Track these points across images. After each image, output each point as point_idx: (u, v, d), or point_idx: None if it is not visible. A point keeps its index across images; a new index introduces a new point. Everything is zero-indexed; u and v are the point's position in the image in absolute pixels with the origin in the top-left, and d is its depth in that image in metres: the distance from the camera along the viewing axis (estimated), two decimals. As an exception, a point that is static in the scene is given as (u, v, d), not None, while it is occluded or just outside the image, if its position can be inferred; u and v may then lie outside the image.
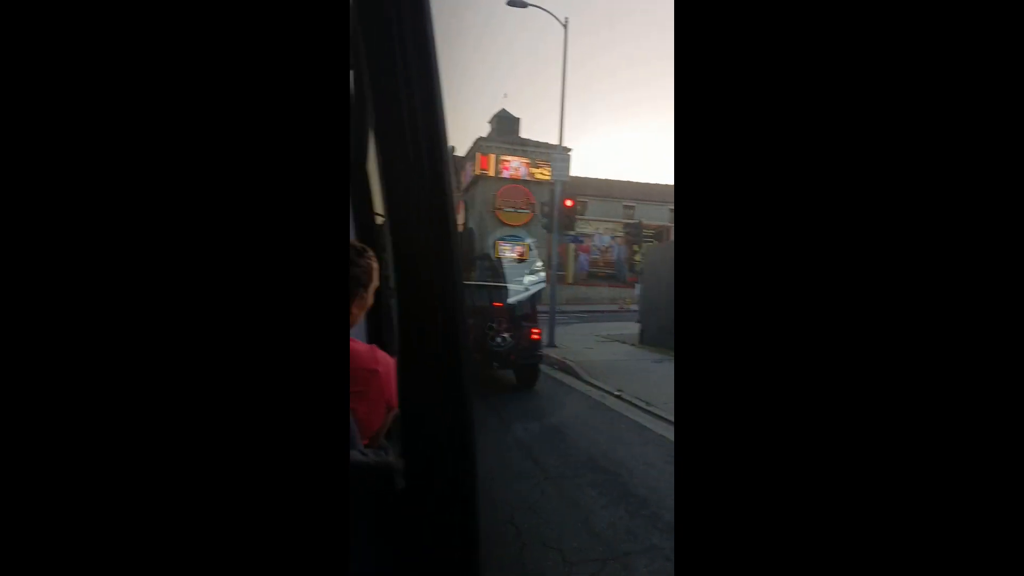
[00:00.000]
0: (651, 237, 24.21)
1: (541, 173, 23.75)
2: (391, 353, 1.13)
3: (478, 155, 24.22)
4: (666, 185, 30.76)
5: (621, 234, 25.91)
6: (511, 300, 6.68)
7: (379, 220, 1.46)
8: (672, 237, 24.10)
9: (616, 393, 6.25)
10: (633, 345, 10.21)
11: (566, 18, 10.51)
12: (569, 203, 10.36)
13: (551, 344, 9.55)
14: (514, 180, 24.79)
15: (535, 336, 6.58)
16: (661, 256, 10.34)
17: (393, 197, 0.64)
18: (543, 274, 7.44)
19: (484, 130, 26.74)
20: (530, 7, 10.92)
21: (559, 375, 7.69)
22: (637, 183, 29.87)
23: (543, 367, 7.20)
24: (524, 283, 6.99)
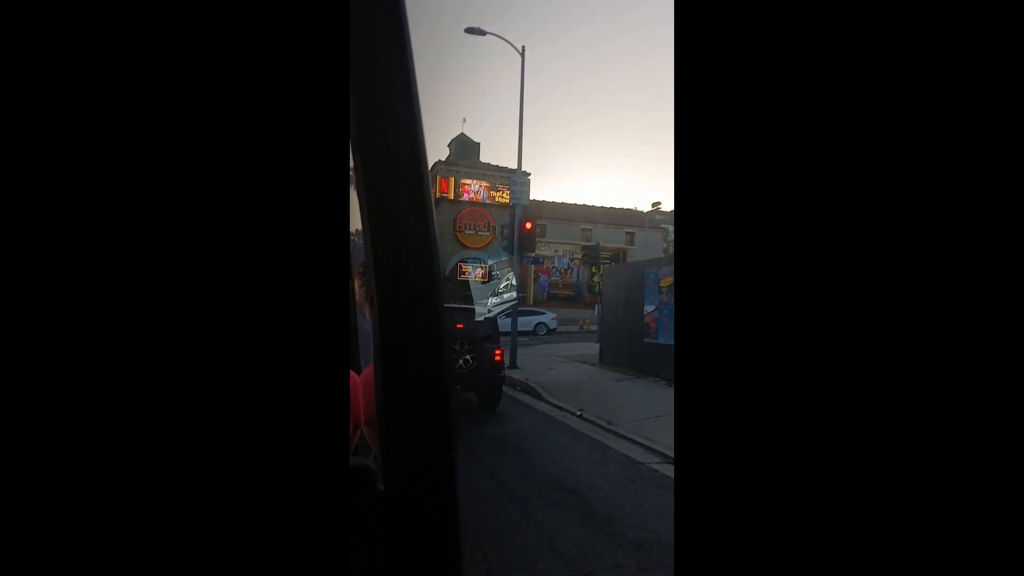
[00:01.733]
0: (609, 259, 24.75)
1: (501, 196, 24.04)
2: (358, 369, 1.13)
3: (438, 178, 24.29)
4: (621, 208, 31.65)
5: (579, 256, 26.37)
6: (482, 319, 6.66)
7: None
8: (627, 259, 24.72)
9: (578, 413, 6.29)
10: (593, 365, 10.33)
11: (523, 46, 10.83)
12: (529, 226, 10.51)
13: (513, 365, 9.56)
14: (474, 203, 24.96)
15: (498, 357, 6.58)
16: (618, 277, 10.59)
17: (374, 208, 0.66)
18: (513, 293, 7.44)
19: (443, 154, 26.86)
20: (488, 35, 11.19)
21: (521, 396, 7.68)
22: (593, 207, 30.63)
23: (505, 388, 7.19)
24: (492, 303, 6.97)
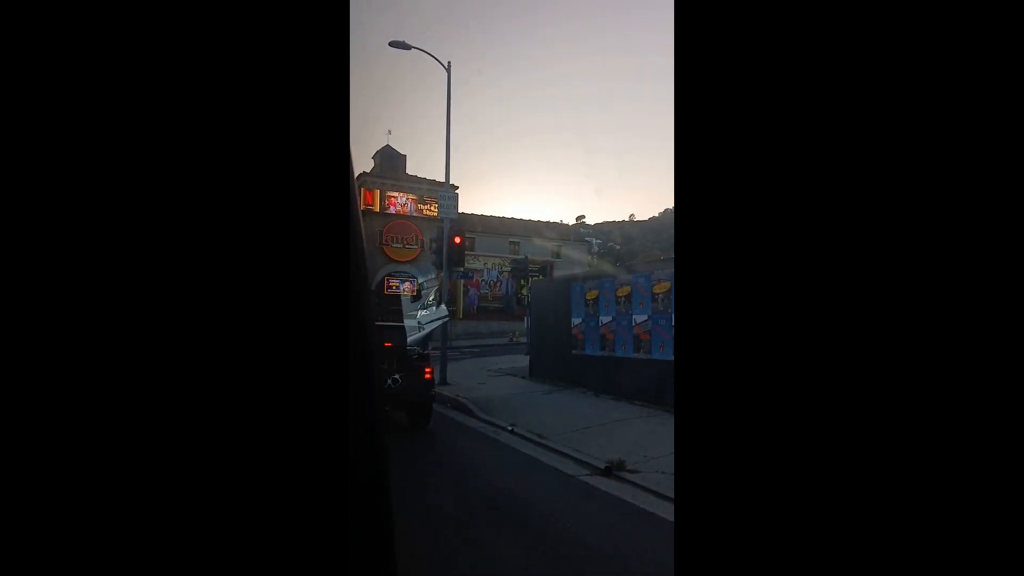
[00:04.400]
0: (537, 271, 25.17)
1: (429, 209, 23.81)
2: None
3: (362, 190, 23.67)
4: (547, 222, 32.38)
5: (508, 269, 26.63)
6: (412, 338, 6.50)
7: None
8: (554, 271, 25.27)
9: (509, 428, 6.30)
10: (524, 378, 10.41)
11: (448, 62, 10.86)
12: (458, 240, 10.48)
13: (443, 381, 9.42)
14: (401, 216, 24.54)
15: (427, 375, 6.46)
16: (547, 290, 10.80)
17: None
18: (443, 308, 7.31)
19: (367, 166, 26.25)
20: (413, 49, 11.13)
21: (452, 413, 7.58)
22: (521, 220, 31.13)
23: (436, 406, 7.07)
24: (420, 319, 6.82)
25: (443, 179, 11.16)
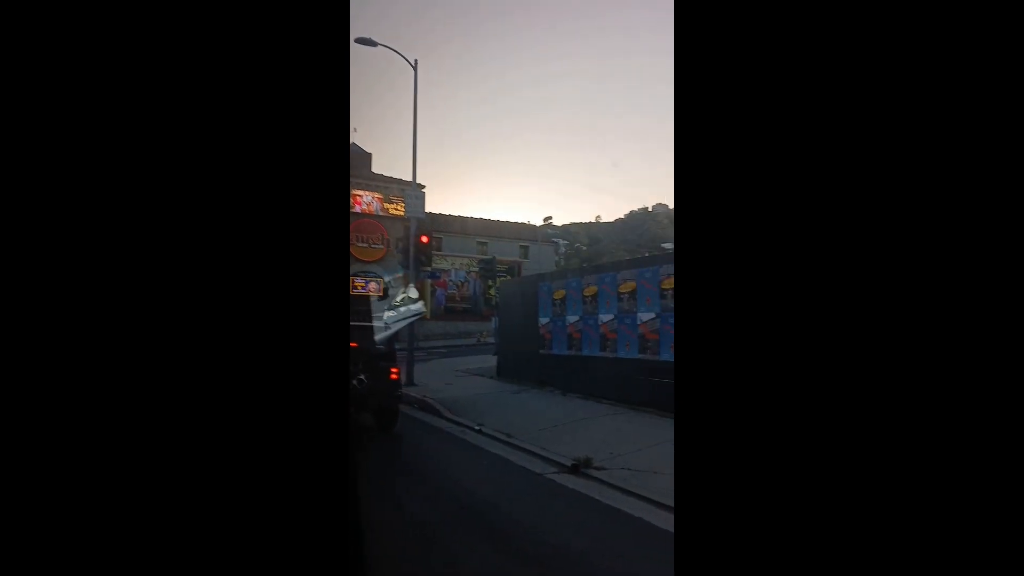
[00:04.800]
0: (504, 272, 25.20)
1: (395, 209, 23.52)
2: None
3: (327, 188, 23.17)
4: (515, 222, 32.45)
5: (476, 269, 26.55)
6: (379, 336, 6.37)
7: None
8: (522, 272, 25.35)
9: (477, 428, 6.28)
10: (491, 378, 10.40)
11: (415, 60, 10.76)
12: (425, 239, 10.38)
13: (410, 382, 9.32)
14: (366, 215, 24.16)
15: (394, 376, 6.38)
16: (514, 290, 10.82)
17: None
18: (415, 305, 7.20)
19: (333, 163, 25.70)
20: (379, 47, 10.97)
21: (420, 414, 7.51)
22: (489, 220, 31.09)
23: (403, 407, 6.98)
24: (391, 318, 6.70)
25: (409, 178, 11.04)
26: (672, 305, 6.60)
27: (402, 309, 7.30)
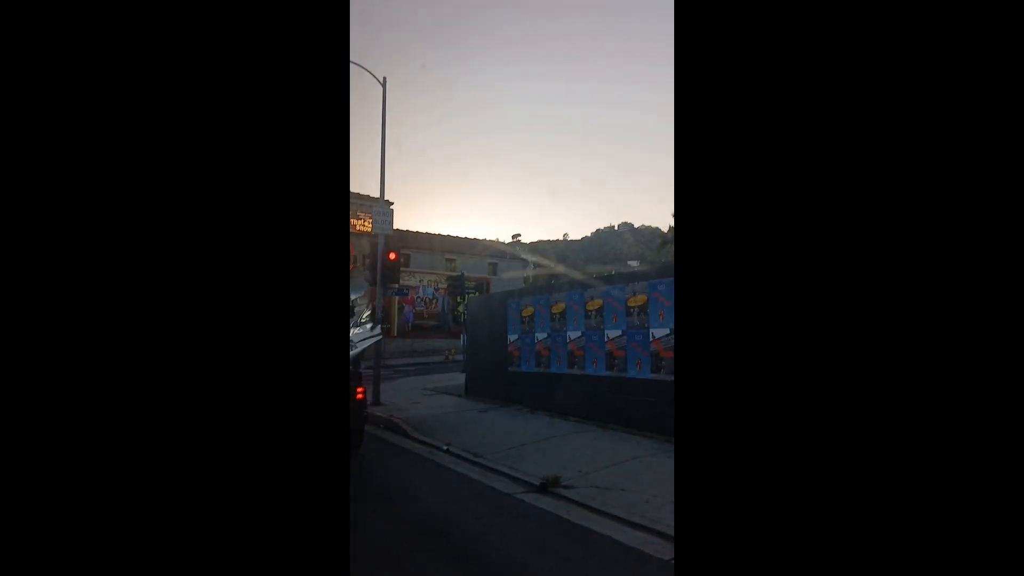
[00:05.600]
0: (473, 288, 25.13)
1: (363, 225, 23.25)
2: None
3: (292, 203, 22.74)
4: (483, 240, 32.53)
5: (444, 286, 26.41)
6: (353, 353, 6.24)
7: None
8: (491, 289, 25.35)
9: (444, 448, 6.18)
10: (459, 396, 10.28)
11: (384, 77, 10.76)
12: (393, 256, 10.28)
13: (376, 402, 9.12)
14: (333, 231, 23.74)
15: (359, 395, 6.24)
16: (483, 307, 10.79)
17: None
18: (374, 327, 7.09)
19: (299, 178, 25.30)
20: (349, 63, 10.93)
21: (385, 434, 7.34)
22: (457, 237, 31.09)
23: (368, 428, 6.82)
24: (355, 336, 6.58)
25: (377, 195, 10.96)
26: (638, 323, 6.70)
27: (368, 327, 7.19)
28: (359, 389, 6.24)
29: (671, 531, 3.50)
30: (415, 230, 28.58)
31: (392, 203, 19.09)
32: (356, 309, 7.53)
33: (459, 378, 11.51)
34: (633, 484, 4.52)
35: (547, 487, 4.58)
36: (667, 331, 6.30)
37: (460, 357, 14.54)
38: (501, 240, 34.47)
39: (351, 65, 10.87)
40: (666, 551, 3.31)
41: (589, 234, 76.37)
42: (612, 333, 7.10)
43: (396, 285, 11.54)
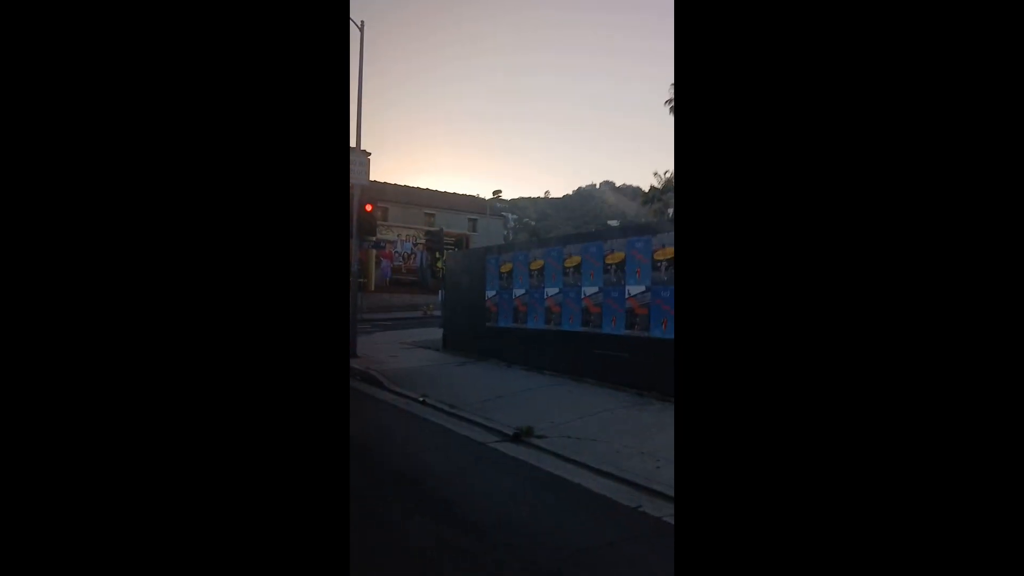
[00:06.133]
0: (452, 244, 24.92)
1: (338, 175, 22.57)
2: None
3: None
4: (464, 195, 32.03)
5: (423, 241, 26.12)
6: None
7: None
8: (470, 245, 25.19)
9: (421, 399, 6.25)
10: (437, 350, 10.35)
11: (362, 21, 10.21)
12: (369, 208, 10.05)
13: (353, 354, 9.12)
14: (308, 181, 23.07)
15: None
16: (462, 263, 10.72)
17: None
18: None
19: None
20: None
21: (362, 386, 7.38)
22: (437, 191, 30.53)
23: (344, 380, 6.82)
24: None
25: (353, 144, 10.58)
26: (615, 280, 6.74)
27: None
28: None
29: (640, 480, 3.63)
30: (394, 183, 27.93)
31: (370, 153, 18.51)
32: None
33: (437, 333, 11.55)
34: (604, 435, 4.65)
35: (521, 437, 4.69)
36: (643, 288, 6.37)
37: (438, 313, 14.56)
38: (481, 196, 33.99)
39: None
40: (633, 499, 3.44)
41: (571, 192, 75.89)
42: (589, 290, 7.14)
43: (373, 238, 11.34)
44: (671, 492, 3.40)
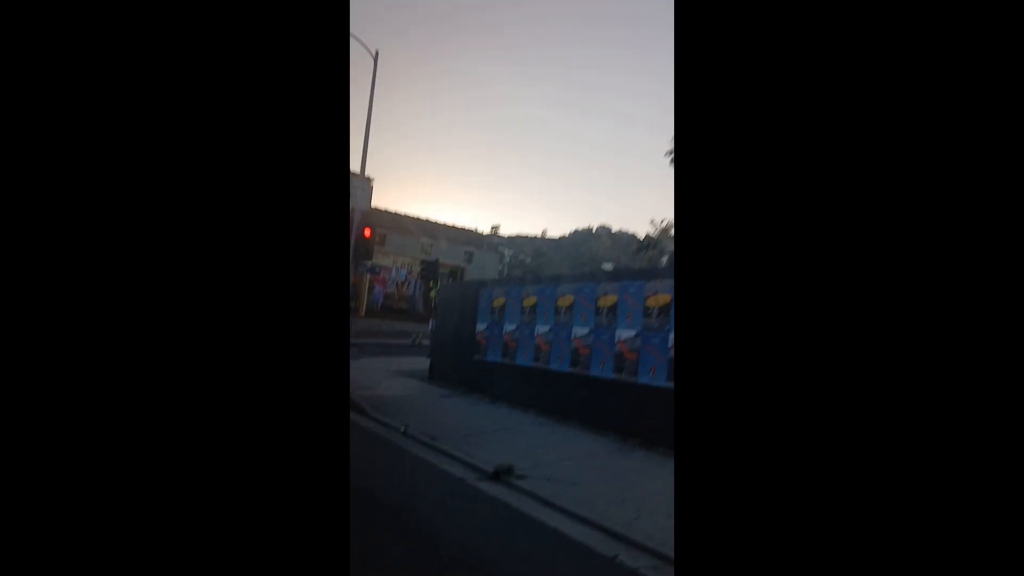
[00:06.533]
0: (447, 275, 24.99)
1: (340, 199, 22.79)
2: None
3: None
4: (462, 228, 32.36)
5: (418, 269, 26.18)
6: None
7: None
8: (465, 277, 25.26)
9: (402, 430, 6.14)
10: (422, 380, 10.23)
11: (376, 51, 10.54)
12: (368, 232, 10.12)
13: (337, 379, 8.99)
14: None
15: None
16: (455, 294, 10.73)
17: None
18: None
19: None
20: (341, 31, 10.65)
21: (343, 412, 7.25)
22: (436, 222, 30.83)
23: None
24: None
25: (358, 170, 10.75)
26: (606, 323, 6.77)
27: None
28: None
29: (618, 528, 3.56)
30: (393, 211, 28.22)
31: (372, 179, 18.76)
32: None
33: (424, 362, 11.44)
34: (584, 480, 4.57)
35: (500, 475, 4.60)
36: (633, 332, 6.39)
37: (427, 342, 14.45)
38: (480, 230, 34.33)
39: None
40: (611, 548, 3.36)
41: (567, 233, 76.78)
42: (580, 331, 7.15)
43: (369, 263, 11.38)
44: (650, 543, 3.32)
